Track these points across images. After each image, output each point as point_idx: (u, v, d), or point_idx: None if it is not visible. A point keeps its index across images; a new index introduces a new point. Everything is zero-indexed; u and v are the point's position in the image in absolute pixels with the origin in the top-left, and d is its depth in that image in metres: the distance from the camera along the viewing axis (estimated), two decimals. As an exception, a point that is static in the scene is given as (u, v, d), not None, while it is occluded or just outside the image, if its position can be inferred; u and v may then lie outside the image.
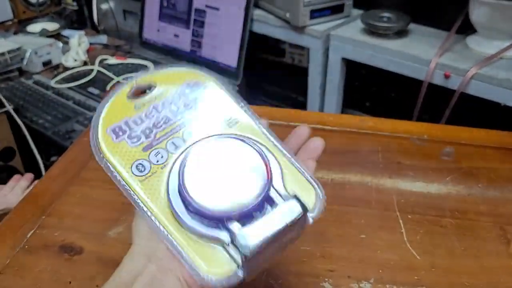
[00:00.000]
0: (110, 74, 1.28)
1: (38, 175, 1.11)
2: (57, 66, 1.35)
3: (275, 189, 0.28)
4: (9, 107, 1.07)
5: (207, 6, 1.24)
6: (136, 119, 0.31)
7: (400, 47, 0.91)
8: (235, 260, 0.26)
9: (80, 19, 1.70)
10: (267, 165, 0.28)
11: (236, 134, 0.30)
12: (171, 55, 1.36)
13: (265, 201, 0.27)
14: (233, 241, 0.26)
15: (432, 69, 0.85)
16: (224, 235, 0.26)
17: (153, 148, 0.30)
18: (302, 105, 1.22)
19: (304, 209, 0.27)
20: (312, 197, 0.29)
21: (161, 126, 0.31)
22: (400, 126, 0.64)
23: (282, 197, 0.28)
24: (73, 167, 0.55)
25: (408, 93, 0.96)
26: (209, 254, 0.26)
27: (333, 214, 0.48)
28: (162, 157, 0.30)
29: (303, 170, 0.30)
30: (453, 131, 0.63)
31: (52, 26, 1.57)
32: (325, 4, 1.01)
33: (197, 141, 0.30)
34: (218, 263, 0.26)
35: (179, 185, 0.27)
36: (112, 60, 1.38)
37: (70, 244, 0.45)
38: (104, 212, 0.49)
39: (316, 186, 0.29)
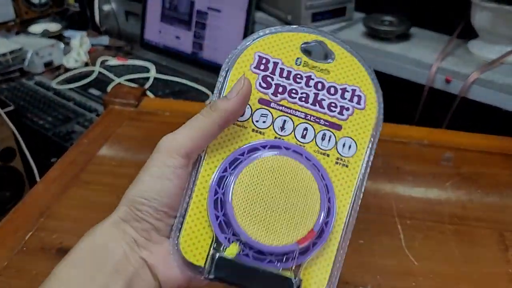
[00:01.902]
0: (111, 75, 1.28)
1: (38, 176, 1.11)
2: (59, 67, 1.36)
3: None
4: (0, 111, 1.07)
5: (209, 8, 1.24)
6: (287, 69, 0.27)
7: (402, 51, 0.90)
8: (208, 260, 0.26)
9: (82, 20, 1.71)
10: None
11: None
12: (172, 56, 1.36)
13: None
14: (218, 249, 0.25)
15: (433, 74, 0.85)
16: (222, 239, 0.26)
17: (265, 107, 0.27)
18: (303, 108, 1.22)
19: None
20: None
21: (294, 98, 0.27)
22: (400, 130, 0.63)
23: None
24: (72, 169, 0.55)
25: (409, 97, 0.95)
26: (198, 240, 0.26)
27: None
28: (264, 122, 0.27)
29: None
30: (453, 136, 0.62)
31: (54, 27, 1.58)
32: (327, 7, 1.01)
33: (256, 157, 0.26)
34: (198, 247, 0.26)
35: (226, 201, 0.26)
36: (113, 61, 1.38)
37: (68, 247, 0.44)
38: (102, 215, 0.48)
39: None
